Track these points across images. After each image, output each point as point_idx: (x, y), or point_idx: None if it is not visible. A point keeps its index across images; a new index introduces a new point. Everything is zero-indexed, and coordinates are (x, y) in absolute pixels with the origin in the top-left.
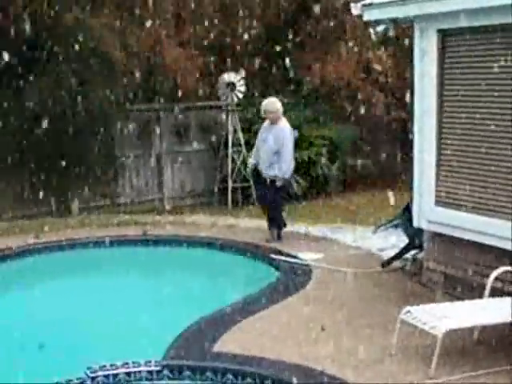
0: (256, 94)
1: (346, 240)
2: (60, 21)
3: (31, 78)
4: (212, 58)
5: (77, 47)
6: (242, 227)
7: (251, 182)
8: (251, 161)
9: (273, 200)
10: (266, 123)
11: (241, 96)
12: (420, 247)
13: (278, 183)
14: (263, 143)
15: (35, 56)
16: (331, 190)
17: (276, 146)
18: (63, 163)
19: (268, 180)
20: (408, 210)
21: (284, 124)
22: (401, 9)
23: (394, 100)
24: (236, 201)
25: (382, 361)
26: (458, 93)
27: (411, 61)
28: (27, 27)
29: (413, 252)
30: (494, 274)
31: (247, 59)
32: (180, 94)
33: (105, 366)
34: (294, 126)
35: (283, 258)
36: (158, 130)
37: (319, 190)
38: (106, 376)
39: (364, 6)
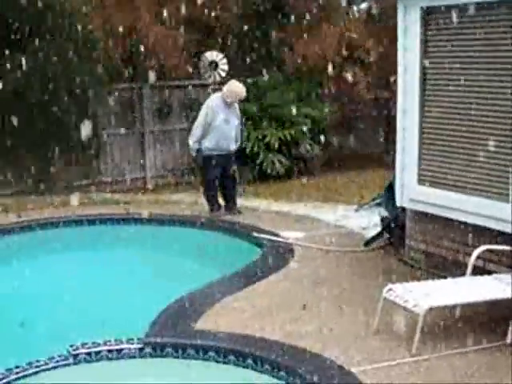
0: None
1: (329, 219)
2: None
3: (12, 55)
4: (194, 37)
5: (58, 25)
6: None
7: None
8: (196, 146)
9: (234, 172)
10: (221, 102)
11: (223, 74)
12: (402, 226)
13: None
14: (227, 123)
15: (16, 33)
16: (314, 169)
17: (239, 121)
18: (45, 141)
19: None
20: (391, 188)
21: None
22: None
23: (376, 79)
24: None
25: (365, 338)
26: (441, 70)
27: (395, 38)
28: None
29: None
30: (476, 252)
31: (230, 38)
32: (162, 72)
33: (87, 344)
34: (277, 105)
35: (265, 236)
36: (140, 109)
37: (302, 168)
38: (88, 353)
39: None
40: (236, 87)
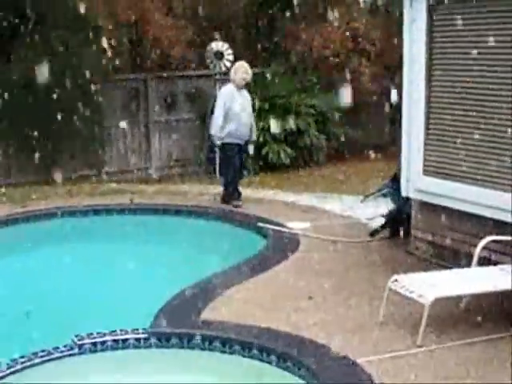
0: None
1: (335, 209)
2: None
3: (18, 44)
4: (200, 28)
5: (63, 14)
6: None
7: (220, 158)
8: (219, 135)
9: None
10: (234, 90)
11: (229, 65)
12: (408, 216)
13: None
14: (243, 110)
15: (22, 23)
16: (319, 159)
17: (251, 108)
18: (50, 132)
19: (245, 143)
20: (396, 179)
21: None
22: None
23: (381, 70)
24: None
25: (370, 329)
26: (447, 61)
27: (400, 30)
28: None
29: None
30: (482, 243)
31: (235, 28)
32: (168, 63)
33: (92, 334)
34: (283, 96)
35: (271, 226)
36: (145, 99)
37: (307, 159)
38: (94, 344)
39: None
40: (239, 65)
